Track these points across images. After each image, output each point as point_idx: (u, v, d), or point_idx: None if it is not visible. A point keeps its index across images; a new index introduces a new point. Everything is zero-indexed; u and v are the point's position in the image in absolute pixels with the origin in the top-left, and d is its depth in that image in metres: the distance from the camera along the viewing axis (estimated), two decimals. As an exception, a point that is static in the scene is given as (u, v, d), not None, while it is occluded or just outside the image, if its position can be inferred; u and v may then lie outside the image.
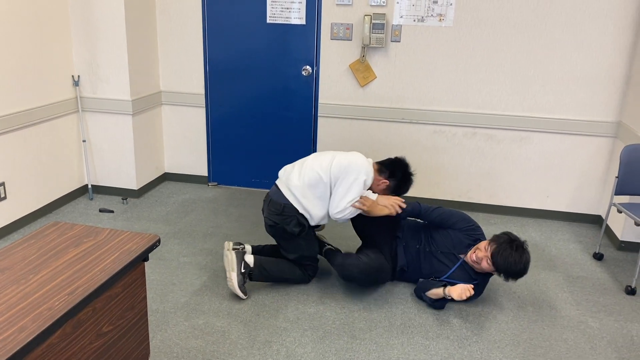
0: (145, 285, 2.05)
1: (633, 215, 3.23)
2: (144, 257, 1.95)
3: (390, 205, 2.99)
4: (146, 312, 2.08)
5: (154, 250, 3.46)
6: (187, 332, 2.68)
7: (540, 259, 3.59)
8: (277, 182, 3.12)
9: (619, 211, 3.39)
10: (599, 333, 2.81)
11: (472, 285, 2.80)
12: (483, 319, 2.88)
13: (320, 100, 4.30)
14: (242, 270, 2.95)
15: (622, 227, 3.75)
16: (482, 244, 2.90)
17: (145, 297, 2.06)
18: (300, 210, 2.97)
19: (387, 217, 3.03)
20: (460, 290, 2.77)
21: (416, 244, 3.12)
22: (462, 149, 4.21)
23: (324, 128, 4.35)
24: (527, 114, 4.06)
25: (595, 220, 4.19)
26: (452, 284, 2.87)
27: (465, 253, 3.00)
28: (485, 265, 2.84)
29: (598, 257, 3.63)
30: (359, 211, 2.96)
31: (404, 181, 3.08)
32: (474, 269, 2.94)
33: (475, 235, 3.06)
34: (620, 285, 3.30)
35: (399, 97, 4.17)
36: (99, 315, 1.77)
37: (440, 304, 2.93)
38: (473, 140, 4.18)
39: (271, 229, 3.06)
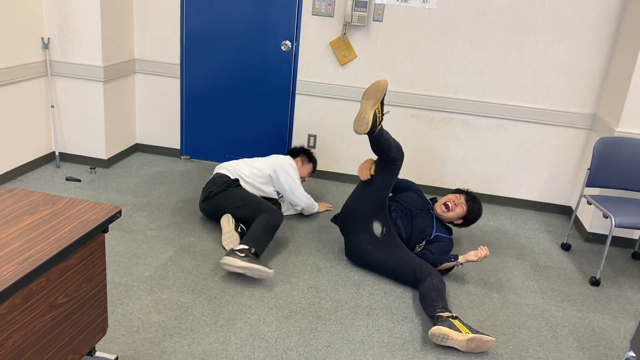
0: (104, 257, 1.98)
1: (602, 207, 3.26)
2: (103, 228, 1.88)
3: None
4: (105, 284, 2.02)
5: (120, 222, 3.39)
6: (149, 306, 2.62)
7: (509, 247, 3.62)
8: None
9: (589, 203, 3.41)
10: (561, 322, 2.84)
11: (486, 248, 3.01)
12: (449, 304, 2.89)
13: (298, 77, 4.22)
14: (239, 230, 3.29)
15: (590, 219, 3.79)
16: (450, 196, 3.37)
17: (104, 270, 2.00)
18: (233, 177, 3.49)
19: (372, 202, 3.15)
20: (478, 255, 2.97)
21: (400, 213, 3.29)
22: (438, 134, 4.19)
23: (301, 106, 4.28)
24: (504, 101, 4.04)
25: (566, 211, 4.23)
26: (441, 239, 3.23)
27: (428, 208, 3.37)
28: (460, 210, 3.30)
29: (566, 247, 3.67)
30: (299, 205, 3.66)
31: (307, 150, 3.87)
32: (441, 220, 3.35)
33: (421, 193, 3.49)
34: (586, 276, 3.34)
35: (378, 78, 4.12)
36: (53, 286, 1.71)
37: (447, 272, 3.15)
38: (449, 125, 4.16)
39: (215, 201, 3.39)
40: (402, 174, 4.33)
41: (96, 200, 3.63)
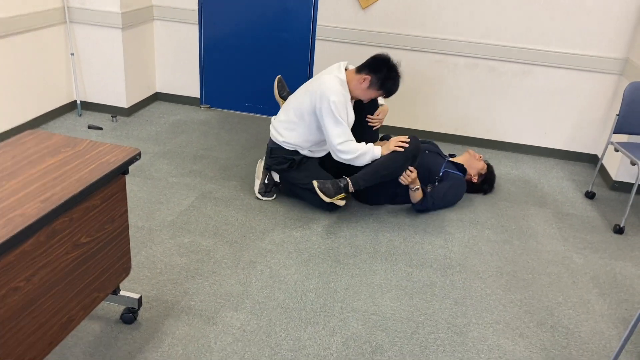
0: (126, 199, 2.01)
1: (629, 154, 3.17)
2: (123, 169, 1.89)
3: (397, 146, 2.96)
4: (127, 226, 2.06)
5: (142, 169, 3.43)
6: (172, 249, 2.68)
7: (532, 195, 3.57)
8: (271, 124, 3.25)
9: (616, 150, 3.32)
10: (582, 269, 2.82)
11: (413, 169, 3.01)
12: (468, 250, 2.89)
13: (318, 22, 4.12)
14: (266, 182, 3.20)
15: (617, 167, 3.70)
16: (470, 151, 3.53)
17: (126, 212, 2.03)
18: (288, 147, 3.09)
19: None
20: (406, 173, 2.99)
21: None
22: (462, 80, 4.08)
23: (322, 52, 4.20)
24: (531, 46, 3.90)
25: (592, 160, 4.14)
26: (450, 176, 3.27)
27: (439, 152, 3.45)
28: (482, 164, 3.44)
29: (590, 195, 3.60)
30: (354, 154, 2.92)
31: (388, 72, 2.90)
32: (453, 162, 3.41)
33: (435, 146, 3.52)
34: (609, 224, 3.29)
35: (402, 22, 4.00)
36: (76, 226, 1.74)
37: (425, 202, 3.15)
38: (474, 71, 4.04)
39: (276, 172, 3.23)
40: (425, 125, 4.27)
41: (118, 148, 3.67)
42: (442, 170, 3.27)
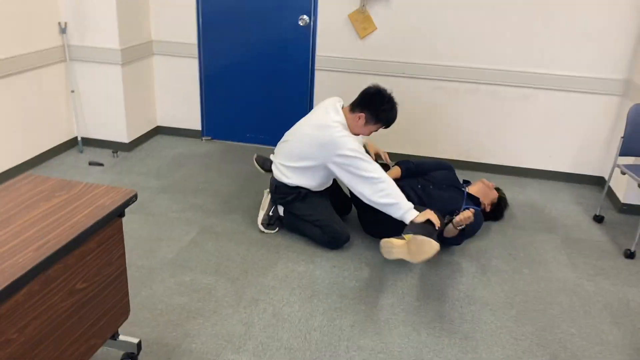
0: (122, 241, 1.96)
1: (636, 177, 3.12)
2: (119, 212, 1.85)
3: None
4: (125, 269, 2.01)
5: (142, 205, 3.40)
6: (172, 288, 2.62)
7: (539, 220, 3.50)
8: (272, 160, 3.19)
9: (623, 172, 3.27)
10: (594, 296, 2.74)
11: (473, 210, 2.83)
12: (477, 280, 2.82)
13: (317, 53, 4.12)
14: (271, 214, 3.17)
15: (624, 189, 3.64)
16: (484, 180, 3.40)
17: (123, 254, 1.99)
18: (293, 186, 3.05)
19: None
20: (466, 214, 2.77)
21: (416, 185, 3.15)
22: (463, 106, 4.06)
23: (322, 82, 4.20)
24: (532, 69, 3.88)
25: (598, 182, 4.08)
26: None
27: (458, 186, 3.28)
28: (495, 193, 3.37)
29: (598, 219, 3.54)
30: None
31: (379, 104, 2.85)
32: (472, 197, 3.26)
33: (452, 172, 3.40)
34: (620, 248, 3.22)
35: (400, 50, 3.99)
36: (71, 271, 1.69)
37: (458, 239, 2.99)
38: (475, 96, 4.02)
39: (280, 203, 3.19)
40: (427, 151, 4.23)
41: (119, 184, 3.64)
42: (463, 207, 3.11)
